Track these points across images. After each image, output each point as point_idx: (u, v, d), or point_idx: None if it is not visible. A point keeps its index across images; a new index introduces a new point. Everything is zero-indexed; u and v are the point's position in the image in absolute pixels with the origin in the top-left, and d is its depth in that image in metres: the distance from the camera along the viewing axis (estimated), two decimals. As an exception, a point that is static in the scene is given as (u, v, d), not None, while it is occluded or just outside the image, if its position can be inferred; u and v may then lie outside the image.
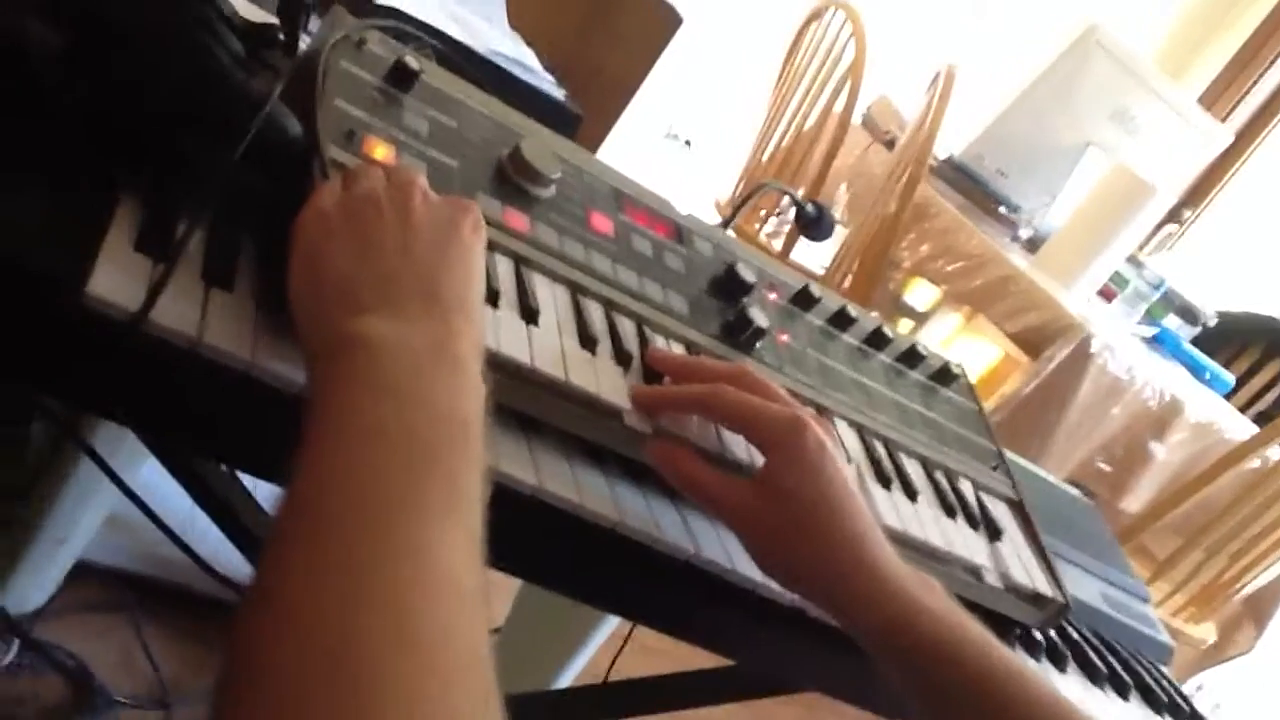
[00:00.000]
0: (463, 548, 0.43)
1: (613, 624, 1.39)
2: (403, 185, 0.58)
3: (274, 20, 0.65)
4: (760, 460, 0.66)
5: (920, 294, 2.43)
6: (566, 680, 1.39)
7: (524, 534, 0.64)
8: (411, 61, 0.68)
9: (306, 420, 0.45)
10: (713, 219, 0.90)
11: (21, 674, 1.28)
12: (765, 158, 2.68)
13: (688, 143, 3.89)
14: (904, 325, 2.47)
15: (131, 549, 1.42)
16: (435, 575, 0.41)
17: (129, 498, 0.97)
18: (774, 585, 0.68)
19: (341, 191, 0.56)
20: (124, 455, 1.10)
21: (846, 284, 2.38)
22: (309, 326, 0.52)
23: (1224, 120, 3.82)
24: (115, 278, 0.51)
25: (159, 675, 1.38)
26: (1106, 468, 2.16)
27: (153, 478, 0.96)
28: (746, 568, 0.68)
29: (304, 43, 0.67)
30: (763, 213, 2.66)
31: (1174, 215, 3.82)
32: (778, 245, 2.56)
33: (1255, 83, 4.02)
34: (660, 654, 1.39)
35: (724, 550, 0.68)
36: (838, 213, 2.52)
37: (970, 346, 2.44)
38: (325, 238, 0.54)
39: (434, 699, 0.36)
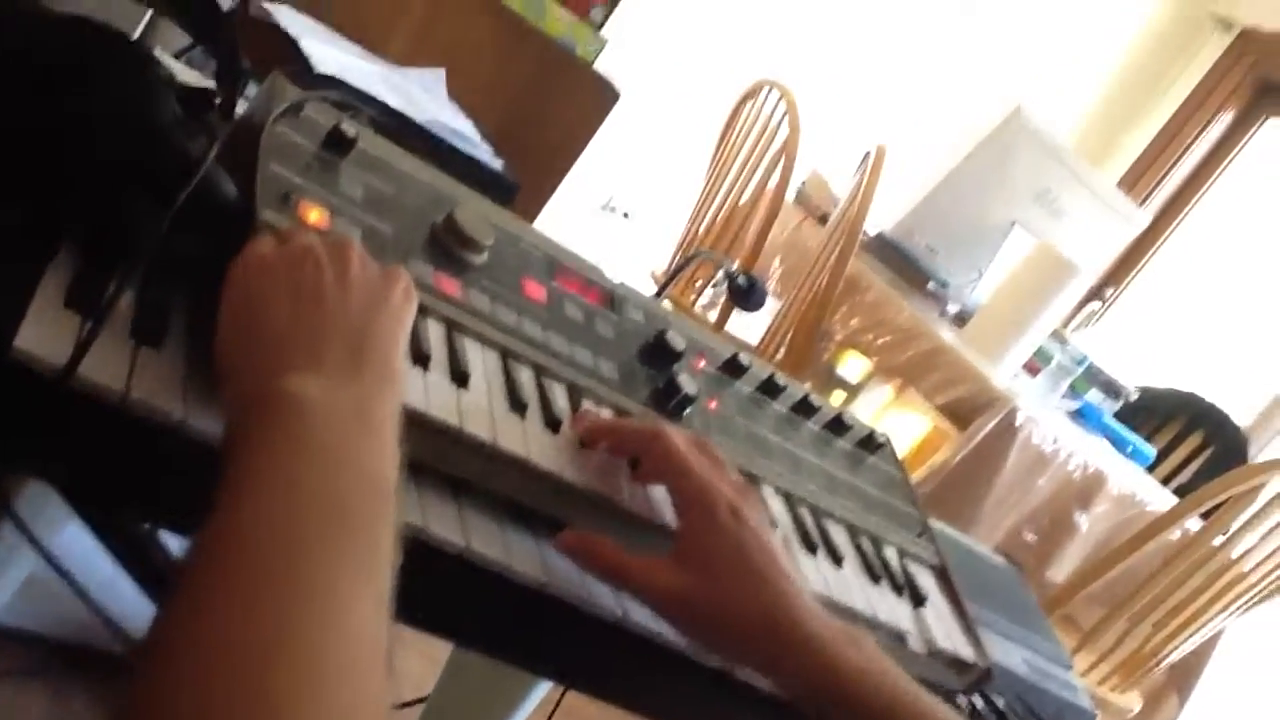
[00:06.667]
0: (373, 607, 0.43)
1: (542, 691, 1.38)
2: (340, 245, 0.59)
3: (210, 85, 0.67)
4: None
5: (852, 366, 2.47)
6: (495, 750, 1.37)
7: (452, 595, 0.64)
8: (348, 128, 0.70)
9: (225, 468, 0.45)
10: (649, 290, 0.92)
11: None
12: (701, 230, 2.72)
13: (625, 215, 3.94)
14: (837, 397, 2.50)
15: (52, 613, 1.39)
16: (347, 629, 0.41)
17: (48, 562, 0.95)
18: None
19: (279, 245, 0.57)
20: (47, 516, 1.08)
21: (780, 356, 2.41)
22: (236, 372, 0.52)
23: (1144, 200, 3.97)
24: (43, 333, 0.51)
25: (76, 746, 1.34)
26: (1033, 538, 2.19)
27: (76, 538, 0.94)
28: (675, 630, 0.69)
29: (240, 108, 0.68)
30: (698, 284, 2.70)
31: (1096, 293, 3.93)
32: (713, 317, 2.59)
33: (1175, 164, 4.19)
34: (590, 722, 1.38)
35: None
36: (771, 286, 2.56)
37: (901, 419, 2.48)
38: (263, 287, 0.54)
39: None
